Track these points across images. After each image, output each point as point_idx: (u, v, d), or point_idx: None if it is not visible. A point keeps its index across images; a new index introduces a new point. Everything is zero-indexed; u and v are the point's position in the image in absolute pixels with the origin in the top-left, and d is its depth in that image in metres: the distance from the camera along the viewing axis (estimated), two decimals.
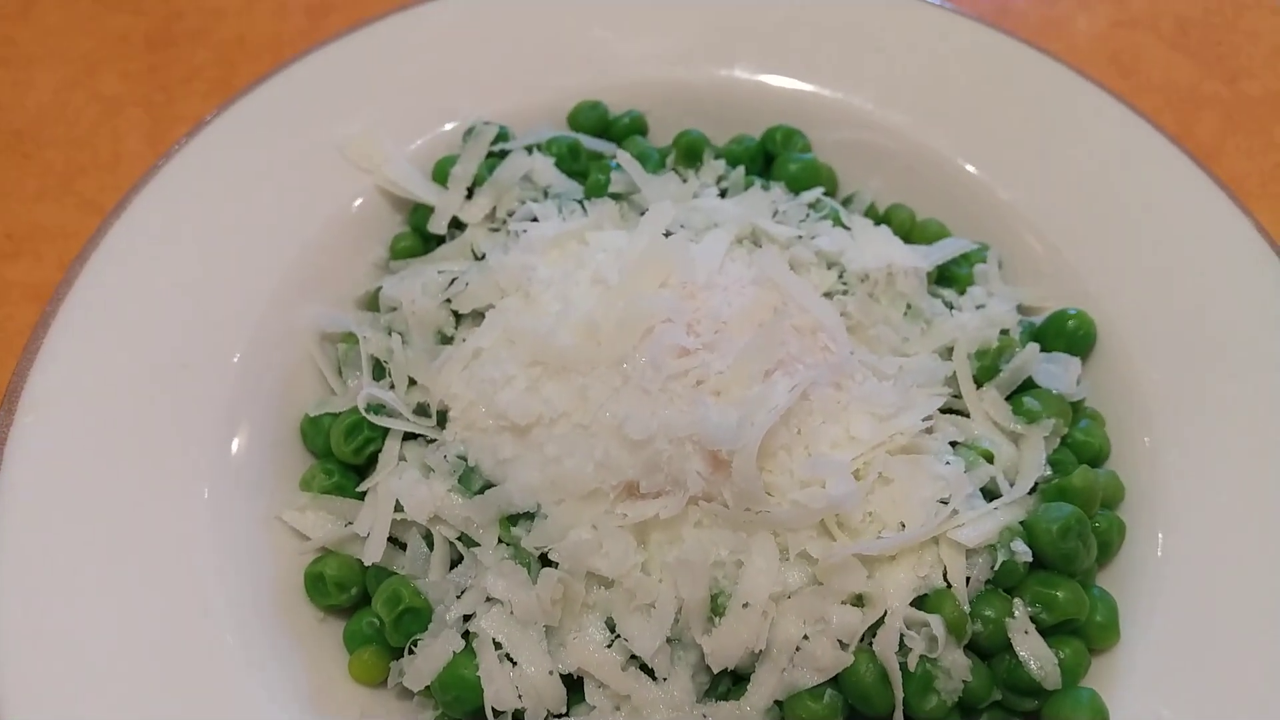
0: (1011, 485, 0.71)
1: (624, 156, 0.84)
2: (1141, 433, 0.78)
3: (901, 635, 0.63)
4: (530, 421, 0.70)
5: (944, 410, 0.75)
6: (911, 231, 0.89)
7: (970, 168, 0.91)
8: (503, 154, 0.87)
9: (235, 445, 0.76)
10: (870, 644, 0.64)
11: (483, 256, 0.82)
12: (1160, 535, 0.73)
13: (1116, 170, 0.88)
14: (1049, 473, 0.74)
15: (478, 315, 0.79)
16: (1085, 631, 0.69)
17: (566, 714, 0.66)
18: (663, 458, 0.66)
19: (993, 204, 0.89)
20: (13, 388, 0.73)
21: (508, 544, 0.70)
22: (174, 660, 0.66)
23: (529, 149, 0.88)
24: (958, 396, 0.76)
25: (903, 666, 0.63)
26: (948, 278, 0.85)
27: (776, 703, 0.65)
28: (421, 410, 0.77)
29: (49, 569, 0.67)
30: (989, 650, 0.67)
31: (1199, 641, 0.68)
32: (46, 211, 1.07)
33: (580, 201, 0.85)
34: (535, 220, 0.82)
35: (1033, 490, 0.72)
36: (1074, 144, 0.90)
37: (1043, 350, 0.79)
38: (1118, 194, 0.87)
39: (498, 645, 0.66)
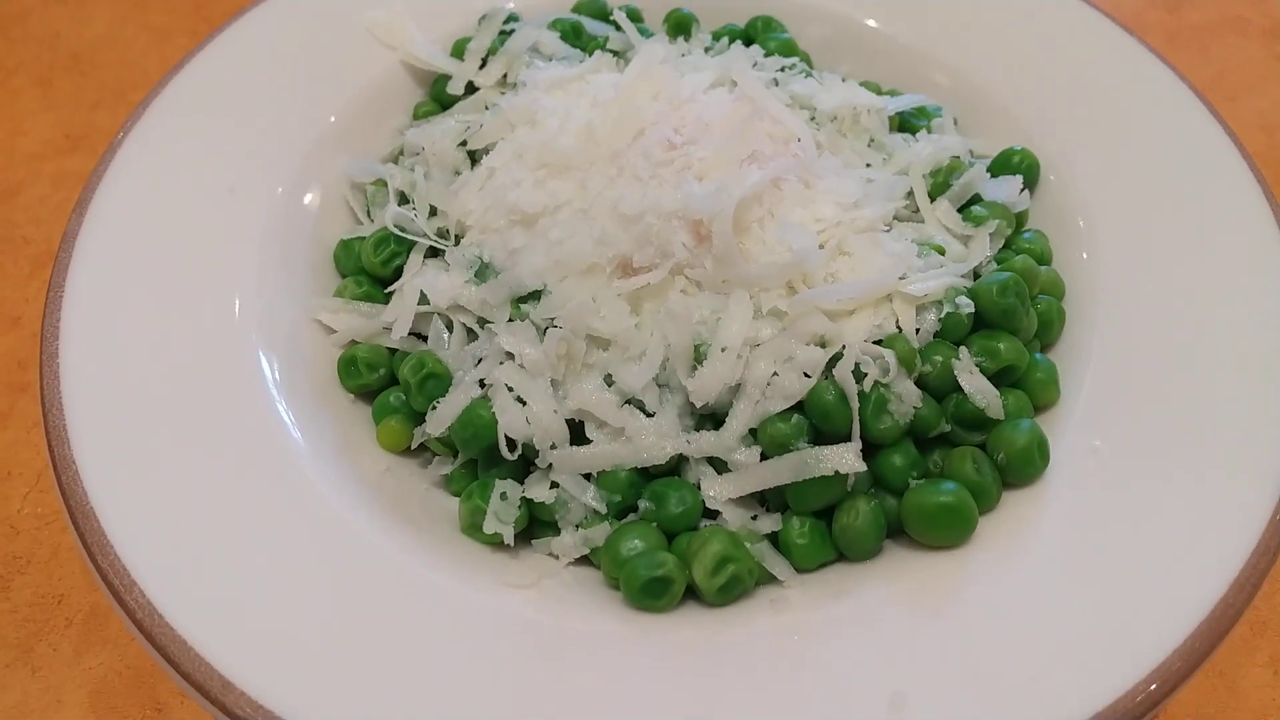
0: None
1: (620, 15, 0.96)
2: (1081, 247, 0.88)
3: (858, 363, 0.72)
4: (537, 211, 0.80)
5: (900, 222, 0.85)
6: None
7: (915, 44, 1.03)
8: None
9: (275, 259, 0.86)
10: (832, 375, 0.73)
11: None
12: (1098, 317, 0.83)
13: (1064, 46, 1.00)
14: (995, 267, 0.83)
15: (489, 152, 0.89)
16: (1027, 387, 0.78)
17: None
18: (652, 231, 0.76)
19: (946, 74, 1.01)
20: (82, 199, 0.84)
21: (518, 320, 0.79)
22: (225, 423, 0.75)
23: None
24: (915, 212, 0.86)
25: (859, 392, 0.72)
26: (908, 129, 0.95)
27: (751, 433, 0.73)
28: (441, 235, 0.87)
29: (119, 355, 0.75)
30: (938, 392, 0.75)
31: (1130, 395, 0.77)
32: (102, 116, 1.18)
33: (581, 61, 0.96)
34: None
35: (978, 279, 0.82)
36: (1028, 29, 1.01)
37: None
38: (1063, 62, 0.98)
39: (510, 390, 0.75)
